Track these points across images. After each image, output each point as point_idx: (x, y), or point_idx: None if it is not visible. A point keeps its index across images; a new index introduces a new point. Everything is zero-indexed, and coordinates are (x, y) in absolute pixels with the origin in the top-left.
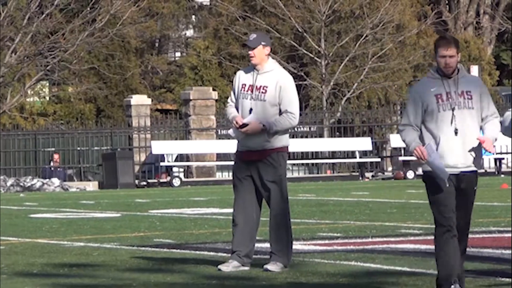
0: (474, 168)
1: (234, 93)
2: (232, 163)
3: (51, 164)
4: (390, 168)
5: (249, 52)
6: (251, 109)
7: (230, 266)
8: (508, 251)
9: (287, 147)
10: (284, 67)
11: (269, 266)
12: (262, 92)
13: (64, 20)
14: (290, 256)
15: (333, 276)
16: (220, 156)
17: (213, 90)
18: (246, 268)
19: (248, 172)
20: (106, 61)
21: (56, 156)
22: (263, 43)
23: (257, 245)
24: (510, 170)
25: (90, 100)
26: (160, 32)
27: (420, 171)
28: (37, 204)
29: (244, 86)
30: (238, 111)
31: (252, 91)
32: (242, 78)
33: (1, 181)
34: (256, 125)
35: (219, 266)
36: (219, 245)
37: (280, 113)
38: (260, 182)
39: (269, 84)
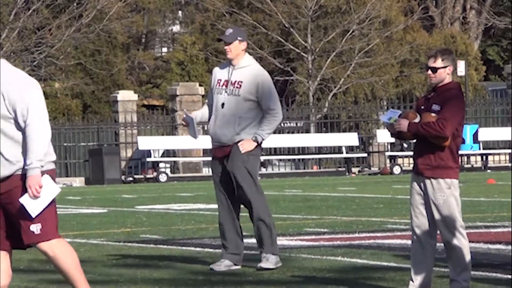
0: None
1: (211, 91)
2: None
3: None
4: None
5: (225, 47)
6: (223, 104)
7: (222, 266)
8: (495, 246)
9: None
10: (270, 63)
11: (262, 264)
12: (236, 87)
13: (50, 15)
14: (275, 246)
15: (320, 272)
16: (207, 152)
17: (200, 85)
18: (238, 267)
19: (224, 167)
20: (92, 56)
21: None
22: (239, 38)
23: (246, 240)
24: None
25: (77, 95)
26: (146, 28)
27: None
28: None
29: (219, 81)
30: (212, 108)
31: (227, 86)
32: (218, 74)
33: None
34: (248, 142)
35: (211, 266)
36: (206, 240)
37: (261, 110)
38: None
39: (244, 79)
